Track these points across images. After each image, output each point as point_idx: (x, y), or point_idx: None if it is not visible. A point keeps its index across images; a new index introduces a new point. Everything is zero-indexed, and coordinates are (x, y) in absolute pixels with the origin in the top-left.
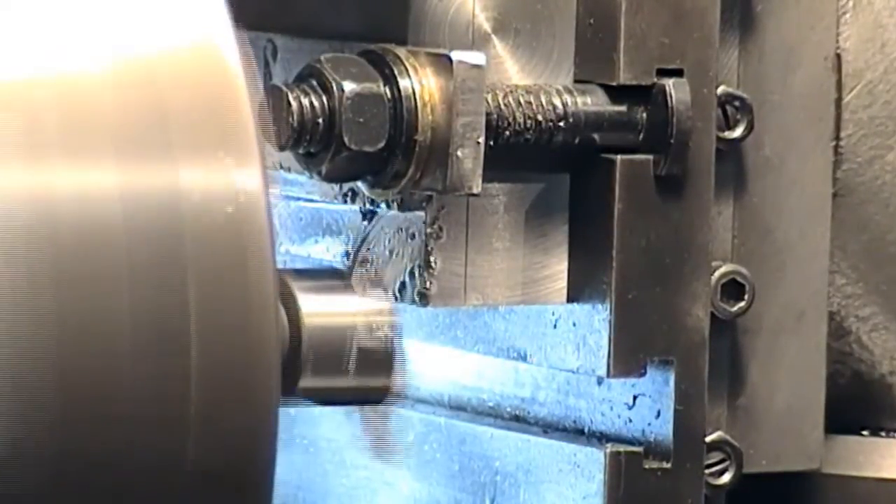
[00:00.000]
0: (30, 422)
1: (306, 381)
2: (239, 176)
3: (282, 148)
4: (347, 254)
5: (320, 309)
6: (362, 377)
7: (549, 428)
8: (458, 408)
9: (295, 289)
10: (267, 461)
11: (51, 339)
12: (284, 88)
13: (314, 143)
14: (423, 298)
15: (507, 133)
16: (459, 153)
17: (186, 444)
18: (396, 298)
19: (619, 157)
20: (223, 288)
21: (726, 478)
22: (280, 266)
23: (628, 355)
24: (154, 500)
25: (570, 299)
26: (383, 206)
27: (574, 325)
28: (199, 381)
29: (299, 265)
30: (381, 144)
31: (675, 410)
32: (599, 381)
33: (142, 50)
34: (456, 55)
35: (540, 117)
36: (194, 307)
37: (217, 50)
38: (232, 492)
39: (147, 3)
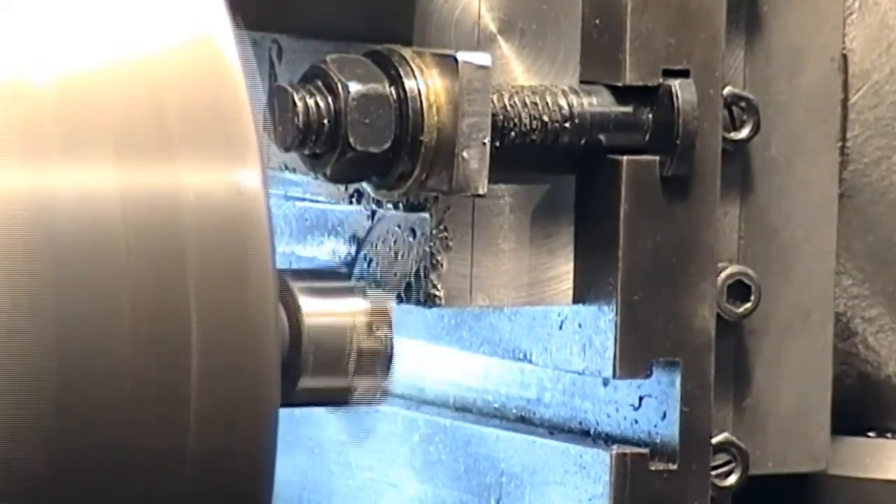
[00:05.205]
0: (28, 422)
1: (306, 381)
2: (238, 175)
3: (287, 149)
4: (350, 254)
5: (320, 309)
6: (362, 377)
7: (555, 429)
8: (463, 409)
9: (295, 289)
10: (267, 461)
11: (50, 339)
12: (290, 89)
13: (319, 144)
14: (429, 299)
15: (513, 134)
16: (465, 154)
17: (186, 444)
18: (402, 300)
19: (625, 157)
20: (223, 288)
21: (732, 479)
22: (281, 266)
23: (634, 356)
24: (153, 500)
25: (576, 300)
26: (389, 206)
27: (580, 326)
28: (198, 381)
29: (302, 265)
30: (387, 145)
31: (681, 412)
32: (605, 383)
33: (142, 49)
34: (462, 56)
35: (546, 118)
36: (194, 307)
37: (217, 49)
38: (232, 492)
39: (147, 3)
